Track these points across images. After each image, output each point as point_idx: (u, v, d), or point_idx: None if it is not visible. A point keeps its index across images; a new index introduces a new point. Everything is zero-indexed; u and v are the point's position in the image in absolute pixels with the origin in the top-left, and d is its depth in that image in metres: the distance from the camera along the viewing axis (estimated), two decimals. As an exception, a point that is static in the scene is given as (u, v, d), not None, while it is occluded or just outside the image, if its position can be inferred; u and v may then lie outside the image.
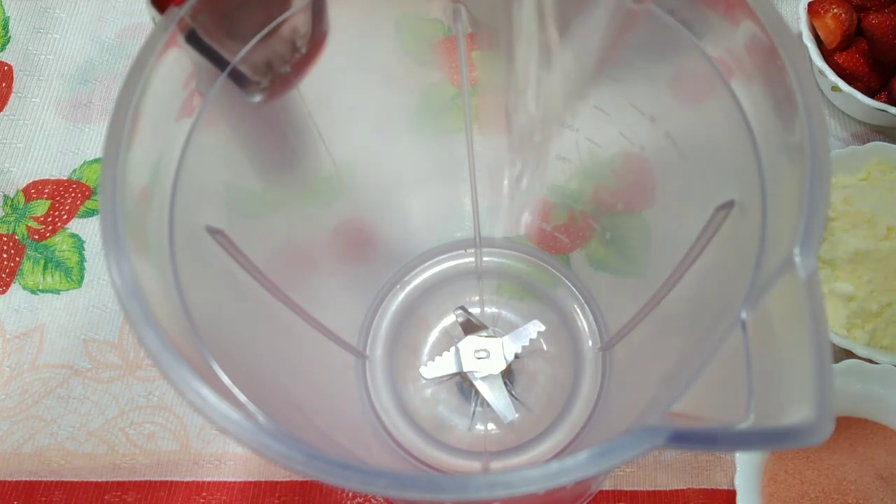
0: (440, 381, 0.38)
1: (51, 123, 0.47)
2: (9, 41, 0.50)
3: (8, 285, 0.44)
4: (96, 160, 0.47)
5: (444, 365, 0.37)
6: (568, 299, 0.40)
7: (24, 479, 0.39)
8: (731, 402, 0.17)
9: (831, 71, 0.43)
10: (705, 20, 0.22)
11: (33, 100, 0.48)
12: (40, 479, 0.39)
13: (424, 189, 0.38)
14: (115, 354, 0.42)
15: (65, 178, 0.46)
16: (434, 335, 0.40)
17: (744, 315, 0.18)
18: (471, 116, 0.33)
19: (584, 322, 0.39)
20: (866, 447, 0.37)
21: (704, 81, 0.23)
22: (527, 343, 0.38)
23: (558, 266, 0.40)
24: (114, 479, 0.39)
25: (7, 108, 0.48)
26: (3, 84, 0.48)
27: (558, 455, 0.37)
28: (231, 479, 0.39)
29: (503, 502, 0.27)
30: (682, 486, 0.38)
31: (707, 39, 0.23)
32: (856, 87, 0.43)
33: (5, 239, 0.45)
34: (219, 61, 0.23)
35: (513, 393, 0.38)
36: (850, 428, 0.37)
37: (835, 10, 0.43)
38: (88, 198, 0.46)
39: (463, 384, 0.38)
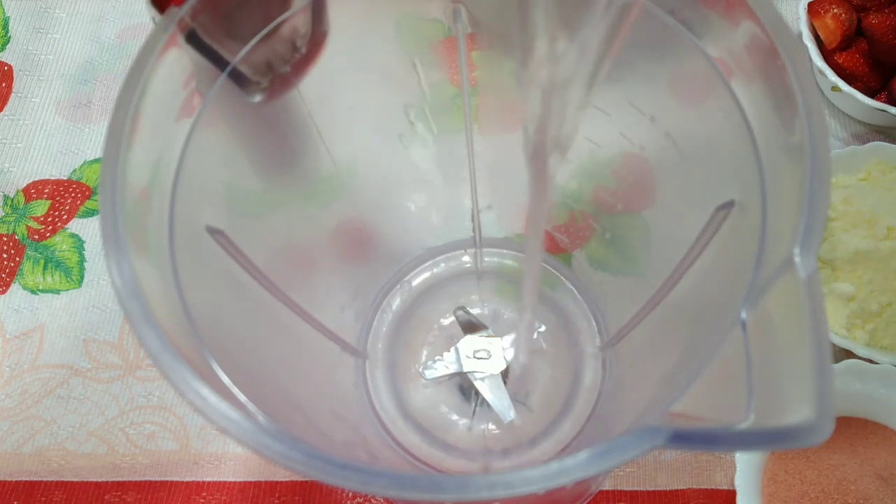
0: (440, 381, 0.38)
1: (51, 123, 0.48)
2: (9, 41, 0.50)
3: (8, 285, 0.44)
4: (96, 160, 0.47)
5: (444, 365, 0.37)
6: (568, 299, 0.40)
7: (24, 479, 0.39)
8: (731, 402, 0.17)
9: (831, 71, 0.43)
10: (705, 20, 0.23)
11: (33, 100, 0.48)
12: (40, 479, 0.39)
13: (424, 189, 0.38)
14: (115, 354, 0.42)
15: (65, 178, 0.46)
16: (434, 335, 0.40)
17: (744, 315, 0.18)
18: (471, 116, 0.33)
19: (584, 322, 0.39)
20: (866, 447, 0.37)
21: (704, 81, 0.23)
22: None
23: (558, 266, 0.40)
24: (114, 479, 0.39)
25: (7, 108, 0.48)
26: (3, 84, 0.48)
27: (558, 455, 0.37)
28: (231, 479, 0.39)
29: (503, 502, 0.27)
30: (682, 486, 0.38)
31: (707, 39, 0.23)
32: (856, 87, 0.43)
33: (5, 239, 0.45)
34: (219, 61, 0.23)
35: (512, 393, 0.38)
36: (850, 428, 0.37)
37: (835, 10, 0.43)
38: (88, 198, 0.46)
39: (463, 384, 0.38)
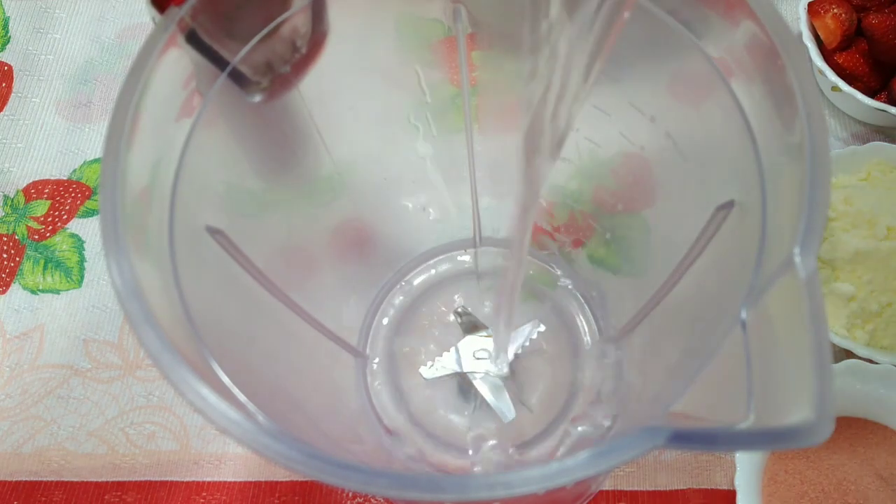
0: (440, 381, 0.38)
1: (51, 123, 0.48)
2: (9, 41, 0.50)
3: (8, 285, 0.44)
4: (96, 160, 0.47)
5: (444, 365, 0.37)
6: (568, 299, 0.40)
7: (24, 479, 0.39)
8: (731, 402, 0.17)
9: (831, 71, 0.43)
10: (705, 20, 0.23)
11: (33, 100, 0.48)
12: (40, 479, 0.39)
13: (424, 189, 0.38)
14: (115, 354, 0.42)
15: (65, 178, 0.46)
16: (434, 335, 0.39)
17: (744, 315, 0.18)
18: (471, 116, 0.33)
19: (583, 322, 0.39)
20: (866, 447, 0.37)
21: (704, 81, 0.23)
22: (527, 343, 0.38)
23: (558, 266, 0.40)
24: (114, 479, 0.39)
25: (7, 108, 0.48)
26: (3, 84, 0.48)
27: (558, 455, 0.37)
28: (231, 479, 0.39)
29: (503, 502, 0.27)
30: (682, 486, 0.38)
31: (707, 39, 0.23)
32: (856, 87, 0.43)
33: (5, 239, 0.45)
34: (219, 61, 0.23)
35: (512, 392, 0.38)
36: (850, 428, 0.37)
37: (835, 10, 0.43)
38: (88, 198, 0.46)
39: (463, 384, 0.38)
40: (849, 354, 0.38)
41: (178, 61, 0.21)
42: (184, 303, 0.20)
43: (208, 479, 0.39)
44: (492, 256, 0.41)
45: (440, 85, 0.32)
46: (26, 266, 0.44)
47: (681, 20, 0.23)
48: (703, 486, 0.38)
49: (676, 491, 0.38)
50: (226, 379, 0.19)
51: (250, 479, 0.39)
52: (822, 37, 0.44)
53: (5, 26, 0.50)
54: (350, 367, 0.38)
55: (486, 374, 0.37)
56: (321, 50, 0.27)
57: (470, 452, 0.37)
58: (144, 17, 0.50)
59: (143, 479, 0.39)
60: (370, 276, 0.41)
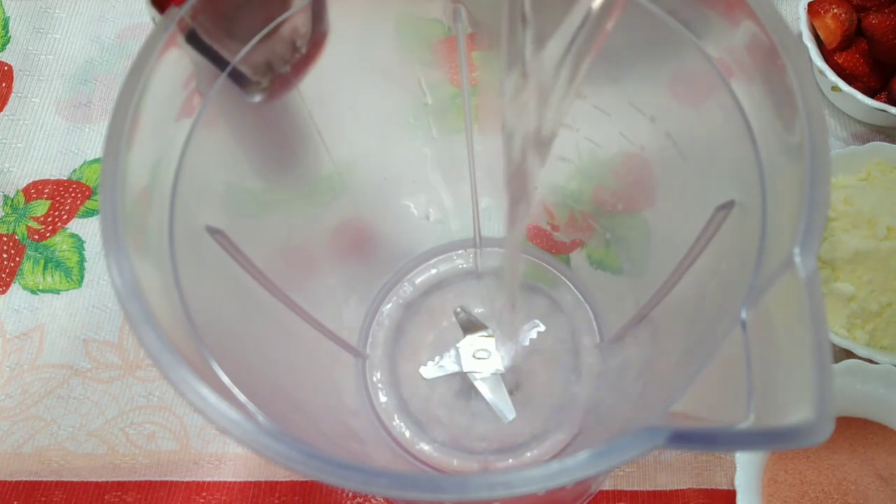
0: (440, 380, 0.38)
1: (51, 123, 0.48)
2: (9, 41, 0.50)
3: (8, 285, 0.44)
4: (96, 160, 0.47)
5: (444, 365, 0.37)
6: (568, 299, 0.40)
7: (24, 479, 0.39)
8: (731, 402, 0.17)
9: (831, 71, 0.43)
10: (705, 20, 0.23)
11: (33, 100, 0.48)
12: (40, 479, 0.39)
13: (424, 189, 0.38)
14: (115, 354, 0.42)
15: (65, 178, 0.46)
16: (434, 335, 0.39)
17: (744, 315, 0.18)
18: (471, 116, 0.33)
19: (583, 322, 0.39)
20: (866, 447, 0.37)
21: (704, 81, 0.23)
22: (527, 343, 0.38)
23: (558, 266, 0.40)
24: (114, 479, 0.39)
25: (7, 108, 0.48)
26: (3, 84, 0.48)
27: (558, 455, 0.37)
28: (231, 479, 0.39)
29: (503, 502, 0.27)
30: (682, 486, 0.38)
31: (707, 39, 0.23)
32: (856, 87, 0.43)
33: (5, 239, 0.45)
34: (219, 61, 0.23)
35: (512, 392, 0.38)
36: (850, 428, 0.37)
37: (835, 10, 0.43)
38: (88, 198, 0.46)
39: (463, 384, 0.38)
40: (849, 354, 0.38)
41: (178, 61, 0.21)
42: (184, 303, 0.20)
43: (208, 479, 0.39)
44: (492, 256, 0.41)
45: (440, 85, 0.32)
46: (26, 266, 0.44)
47: (681, 20, 0.23)
48: (703, 486, 0.38)
49: (676, 491, 0.38)
50: (226, 379, 0.19)
51: (250, 479, 0.39)
52: (822, 37, 0.44)
53: (5, 26, 0.50)
54: (350, 367, 0.38)
55: (486, 374, 0.37)
56: (321, 50, 0.27)
57: (470, 452, 0.37)
58: (144, 17, 0.50)
59: (143, 479, 0.39)
60: (370, 276, 0.41)
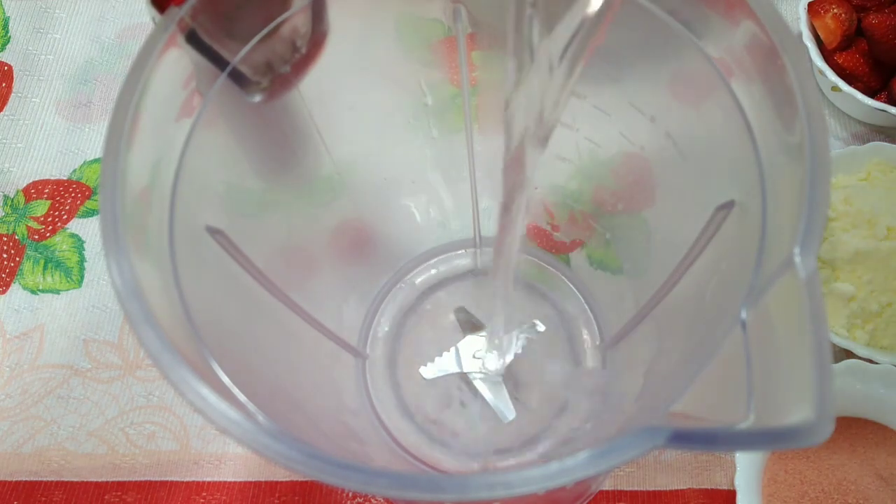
0: (440, 380, 0.38)
1: (51, 123, 0.48)
2: (9, 41, 0.50)
3: (8, 285, 0.44)
4: (96, 160, 0.47)
5: (443, 365, 0.37)
6: (568, 299, 0.40)
7: (24, 479, 0.39)
8: (731, 402, 0.17)
9: (831, 71, 0.43)
10: (705, 20, 0.23)
11: (33, 100, 0.48)
12: (40, 479, 0.39)
13: (424, 189, 0.38)
14: (115, 354, 0.42)
15: (65, 178, 0.46)
16: (434, 335, 0.39)
17: (744, 315, 0.18)
18: (471, 116, 0.33)
19: (583, 322, 0.39)
20: (866, 447, 0.37)
21: (704, 81, 0.23)
22: (526, 343, 0.38)
23: (558, 266, 0.40)
24: (114, 479, 0.39)
25: (7, 108, 0.48)
26: (3, 84, 0.48)
27: (558, 455, 0.37)
28: (231, 479, 0.39)
29: (503, 502, 0.27)
30: (682, 486, 0.38)
31: (707, 39, 0.23)
32: (856, 87, 0.43)
33: (5, 239, 0.45)
34: (219, 61, 0.23)
35: (512, 392, 0.38)
36: (850, 428, 0.37)
37: (835, 10, 0.43)
38: (88, 198, 0.46)
39: (463, 384, 0.38)
40: (849, 354, 0.38)
41: (178, 61, 0.21)
42: (184, 303, 0.20)
43: (208, 479, 0.39)
44: (492, 256, 0.41)
45: (440, 85, 0.32)
46: (26, 266, 0.44)
47: (681, 20, 0.23)
48: (703, 486, 0.38)
49: (676, 491, 0.38)
50: (226, 379, 0.19)
51: (250, 479, 0.39)
52: (822, 37, 0.44)
53: (5, 26, 0.50)
54: (350, 367, 0.38)
55: (486, 373, 0.37)
56: (321, 50, 0.27)
57: (470, 452, 0.37)
58: (144, 17, 0.50)
59: (143, 479, 0.39)
60: (370, 276, 0.41)
